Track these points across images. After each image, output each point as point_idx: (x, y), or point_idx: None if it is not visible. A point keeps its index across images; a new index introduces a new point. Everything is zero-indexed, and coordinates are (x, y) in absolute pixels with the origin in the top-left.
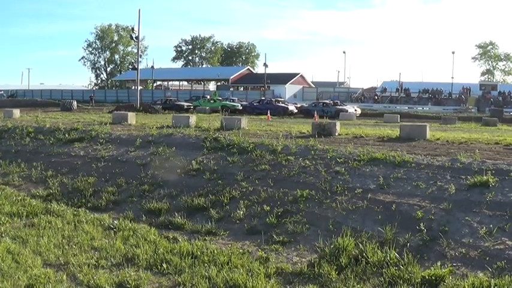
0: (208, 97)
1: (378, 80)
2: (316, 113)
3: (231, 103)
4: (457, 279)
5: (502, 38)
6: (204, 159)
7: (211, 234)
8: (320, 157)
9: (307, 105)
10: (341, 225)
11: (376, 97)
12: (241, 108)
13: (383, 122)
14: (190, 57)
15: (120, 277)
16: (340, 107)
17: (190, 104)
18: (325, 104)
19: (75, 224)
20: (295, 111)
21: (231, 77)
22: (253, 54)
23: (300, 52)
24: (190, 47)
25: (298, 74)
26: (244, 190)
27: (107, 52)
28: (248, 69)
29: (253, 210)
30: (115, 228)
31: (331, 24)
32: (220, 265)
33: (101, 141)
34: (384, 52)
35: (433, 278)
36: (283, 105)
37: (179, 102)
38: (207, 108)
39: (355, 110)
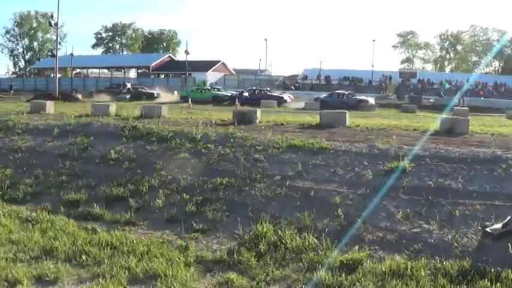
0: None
1: (300, 68)
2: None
3: (223, 93)
4: (374, 263)
5: (422, 27)
6: (123, 148)
7: (131, 224)
8: (239, 145)
9: (323, 97)
10: (260, 212)
11: (297, 84)
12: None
13: (304, 109)
14: (110, 44)
15: (38, 270)
16: (360, 97)
17: (159, 93)
18: (342, 94)
19: None
20: (289, 100)
21: (152, 64)
22: (174, 41)
23: (222, 39)
24: (110, 33)
25: (220, 61)
26: (163, 179)
27: (26, 39)
28: (169, 56)
29: (172, 199)
30: (33, 220)
31: (253, 10)
32: (139, 255)
33: (18, 131)
34: (307, 40)
35: (351, 261)
36: (277, 95)
37: (148, 91)
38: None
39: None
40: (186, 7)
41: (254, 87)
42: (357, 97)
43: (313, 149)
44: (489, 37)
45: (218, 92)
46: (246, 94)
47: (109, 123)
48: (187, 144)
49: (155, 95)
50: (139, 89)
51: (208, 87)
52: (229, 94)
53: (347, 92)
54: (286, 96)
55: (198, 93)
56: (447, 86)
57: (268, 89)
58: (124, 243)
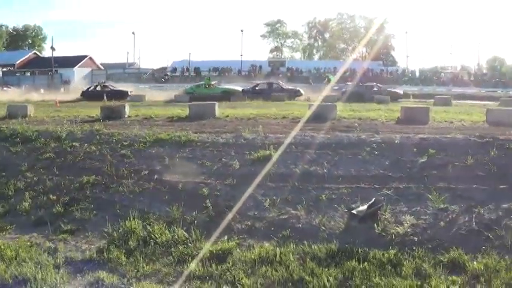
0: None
1: (169, 60)
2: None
3: (234, 88)
4: (244, 251)
5: (290, 15)
6: None
7: None
8: (106, 141)
9: (350, 88)
10: (129, 208)
11: (166, 77)
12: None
13: (174, 101)
14: None
15: None
16: (393, 89)
17: (132, 90)
18: (370, 86)
19: None
20: (303, 93)
21: (17, 62)
22: (40, 37)
23: (89, 33)
24: None
25: (87, 56)
26: (29, 181)
27: None
28: (35, 53)
29: (39, 200)
30: None
31: (120, 3)
32: (8, 260)
33: None
34: (175, 32)
35: (221, 251)
36: (292, 88)
37: (121, 89)
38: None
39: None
40: (51, 1)
41: (267, 81)
42: (391, 89)
43: (180, 142)
44: (356, 24)
45: (228, 87)
46: (258, 88)
47: None
48: (52, 143)
49: (129, 93)
50: (110, 88)
51: (212, 83)
52: (241, 89)
53: (375, 84)
54: (302, 90)
55: (204, 89)
56: (332, 78)
57: (279, 82)
58: None
